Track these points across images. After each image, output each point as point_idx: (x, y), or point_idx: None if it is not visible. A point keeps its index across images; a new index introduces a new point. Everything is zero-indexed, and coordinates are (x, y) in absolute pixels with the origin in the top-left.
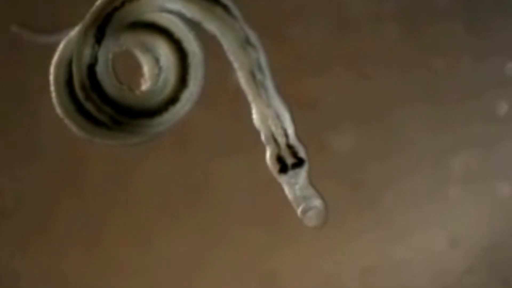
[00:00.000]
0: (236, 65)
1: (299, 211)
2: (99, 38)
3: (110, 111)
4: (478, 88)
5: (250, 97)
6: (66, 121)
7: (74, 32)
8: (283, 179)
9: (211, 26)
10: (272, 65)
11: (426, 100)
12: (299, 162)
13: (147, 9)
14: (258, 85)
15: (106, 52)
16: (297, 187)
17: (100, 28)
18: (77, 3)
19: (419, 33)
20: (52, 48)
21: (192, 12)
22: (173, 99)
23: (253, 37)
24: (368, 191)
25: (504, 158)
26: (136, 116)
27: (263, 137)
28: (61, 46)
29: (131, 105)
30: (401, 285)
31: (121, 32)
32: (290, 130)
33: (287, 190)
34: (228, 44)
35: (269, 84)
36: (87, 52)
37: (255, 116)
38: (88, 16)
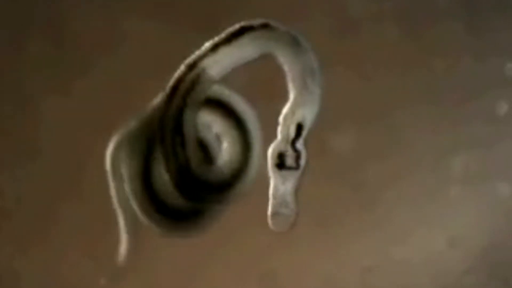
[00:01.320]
0: (287, 68)
1: (270, 210)
2: (181, 141)
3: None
4: (478, 88)
5: (291, 94)
6: (145, 219)
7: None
8: (274, 174)
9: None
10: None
11: (426, 100)
12: (296, 167)
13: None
14: (306, 86)
15: (192, 146)
16: (282, 187)
17: (177, 130)
18: (77, 2)
19: (419, 33)
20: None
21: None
22: (242, 167)
23: (302, 40)
24: (368, 191)
25: (504, 158)
26: (215, 190)
27: (278, 130)
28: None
29: (210, 180)
30: (401, 285)
31: (195, 124)
32: (304, 134)
33: (272, 185)
34: (278, 50)
35: (316, 85)
36: (177, 156)
37: (285, 111)
38: (158, 122)
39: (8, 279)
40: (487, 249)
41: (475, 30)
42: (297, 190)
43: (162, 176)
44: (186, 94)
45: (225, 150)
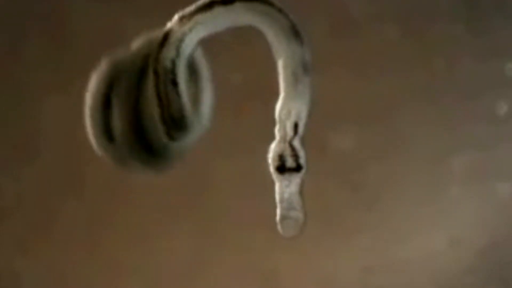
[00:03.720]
0: (279, 59)
1: (278, 215)
2: (177, 91)
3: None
4: (478, 88)
5: (282, 88)
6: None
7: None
8: (277, 177)
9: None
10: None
11: (426, 100)
12: (297, 168)
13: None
14: (297, 79)
15: (185, 94)
16: (287, 190)
17: (173, 81)
18: (78, 2)
19: (419, 33)
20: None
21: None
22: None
23: (300, 29)
24: (368, 191)
25: (504, 158)
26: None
27: (276, 129)
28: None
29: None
30: (401, 285)
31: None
32: (300, 131)
33: (277, 189)
34: (274, 38)
35: (307, 79)
36: (172, 104)
37: (278, 106)
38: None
39: (8, 279)
40: (487, 249)
41: (475, 30)
42: (302, 192)
43: (150, 113)
44: (179, 46)
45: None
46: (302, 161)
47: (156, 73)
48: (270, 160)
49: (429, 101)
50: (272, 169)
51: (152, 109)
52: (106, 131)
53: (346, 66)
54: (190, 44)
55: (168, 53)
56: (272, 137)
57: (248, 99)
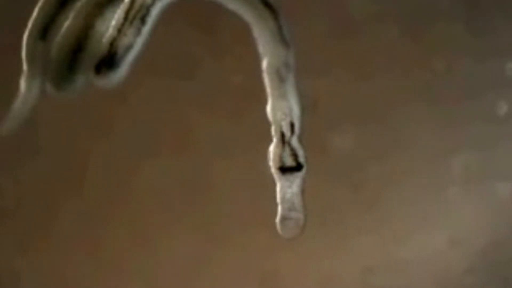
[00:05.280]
0: (264, 58)
1: (279, 215)
2: (140, 28)
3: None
4: (478, 88)
5: (268, 88)
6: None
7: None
8: (279, 177)
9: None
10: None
11: (426, 100)
12: (297, 167)
13: None
14: (281, 78)
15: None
16: (289, 190)
17: (143, 18)
18: None
19: (419, 33)
20: None
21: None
22: None
23: (287, 33)
24: (368, 191)
25: (504, 158)
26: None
27: (273, 130)
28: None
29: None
30: (401, 285)
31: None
32: (297, 130)
33: (278, 189)
34: (260, 36)
35: (291, 78)
36: (126, 37)
37: (269, 107)
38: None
39: (8, 279)
40: (487, 249)
41: (475, 30)
42: (303, 192)
43: (97, 41)
44: None
45: None
46: (301, 159)
47: (133, 2)
48: (271, 162)
49: (429, 101)
50: (273, 170)
51: (104, 33)
52: (45, 28)
53: (346, 66)
54: None
55: None
56: (271, 138)
57: (248, 100)
